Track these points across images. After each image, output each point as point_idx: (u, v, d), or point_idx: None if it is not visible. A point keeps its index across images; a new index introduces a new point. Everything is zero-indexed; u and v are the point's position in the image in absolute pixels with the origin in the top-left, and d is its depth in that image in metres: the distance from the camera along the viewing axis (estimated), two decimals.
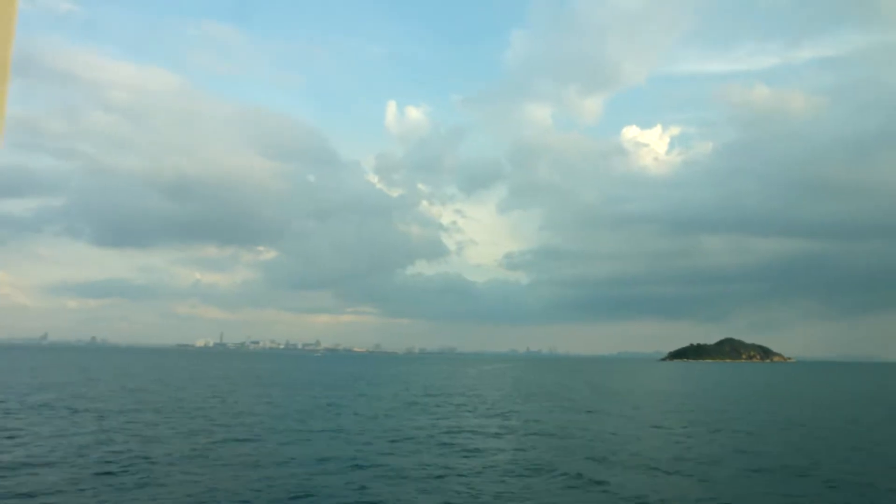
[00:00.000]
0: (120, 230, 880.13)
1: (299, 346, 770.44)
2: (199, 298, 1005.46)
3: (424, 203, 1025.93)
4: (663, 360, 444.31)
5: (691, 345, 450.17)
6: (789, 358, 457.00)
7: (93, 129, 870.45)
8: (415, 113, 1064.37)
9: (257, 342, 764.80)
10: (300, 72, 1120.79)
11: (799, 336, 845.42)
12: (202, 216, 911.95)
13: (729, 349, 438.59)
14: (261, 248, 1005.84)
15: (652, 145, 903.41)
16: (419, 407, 46.86)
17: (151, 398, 48.80)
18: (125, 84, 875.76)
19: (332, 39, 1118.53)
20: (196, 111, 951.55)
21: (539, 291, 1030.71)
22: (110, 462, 22.61)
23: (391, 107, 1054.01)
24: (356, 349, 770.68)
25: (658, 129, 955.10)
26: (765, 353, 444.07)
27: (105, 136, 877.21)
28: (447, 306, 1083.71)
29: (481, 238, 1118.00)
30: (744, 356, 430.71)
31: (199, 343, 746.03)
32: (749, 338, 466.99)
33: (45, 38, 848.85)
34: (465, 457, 25.60)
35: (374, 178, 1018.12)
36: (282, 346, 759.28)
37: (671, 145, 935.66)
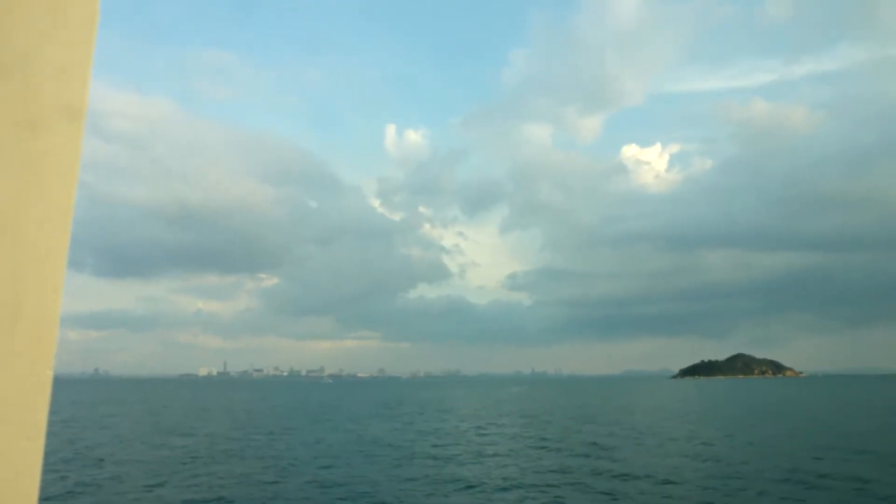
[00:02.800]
0: (121, 260, 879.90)
1: (303, 373, 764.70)
2: (201, 327, 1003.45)
3: (426, 226, 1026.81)
4: (674, 377, 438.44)
5: (702, 361, 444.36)
6: (801, 372, 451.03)
7: (93, 158, 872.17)
8: (414, 136, 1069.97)
9: (261, 370, 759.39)
10: (299, 96, 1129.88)
11: (805, 349, 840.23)
12: (203, 244, 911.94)
13: (741, 365, 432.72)
14: (262, 275, 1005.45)
15: (652, 163, 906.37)
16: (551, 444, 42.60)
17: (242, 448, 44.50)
18: (125, 113, 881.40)
19: (329, 63, 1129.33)
20: (196, 138, 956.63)
21: (542, 312, 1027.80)
22: None
23: (390, 130, 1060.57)
24: (360, 374, 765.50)
25: (657, 146, 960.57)
26: (777, 368, 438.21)
27: (105, 166, 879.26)
28: (450, 329, 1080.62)
29: (483, 260, 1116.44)
30: (756, 372, 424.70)
31: (202, 372, 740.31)
32: (755, 352, 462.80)
33: None
34: None
35: (375, 202, 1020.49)
36: (285, 374, 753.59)
37: (671, 163, 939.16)
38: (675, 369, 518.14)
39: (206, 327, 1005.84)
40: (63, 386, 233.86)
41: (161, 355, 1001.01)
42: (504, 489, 23.07)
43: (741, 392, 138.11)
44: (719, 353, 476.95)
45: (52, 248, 1.64)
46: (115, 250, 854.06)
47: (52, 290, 1.67)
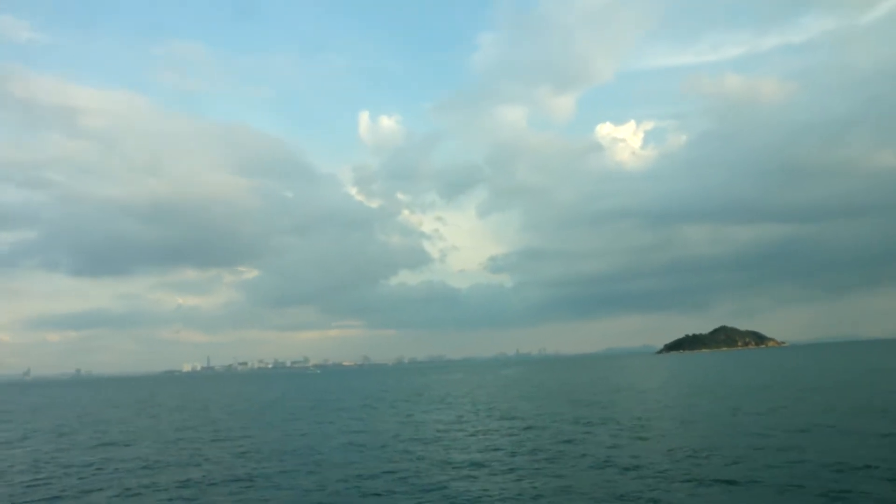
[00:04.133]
0: (97, 259, 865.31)
1: (288, 364, 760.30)
2: (182, 323, 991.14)
3: (405, 212, 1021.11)
4: (659, 352, 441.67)
5: (686, 336, 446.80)
6: (783, 342, 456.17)
7: (62, 156, 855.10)
8: (388, 122, 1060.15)
9: (245, 363, 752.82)
10: (270, 87, 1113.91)
11: (786, 319, 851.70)
12: (180, 239, 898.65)
13: (724, 337, 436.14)
14: (241, 267, 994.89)
15: (627, 140, 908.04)
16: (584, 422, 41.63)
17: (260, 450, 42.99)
18: (92, 109, 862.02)
19: (300, 53, 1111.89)
20: (166, 132, 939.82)
21: (524, 293, 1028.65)
22: None
23: (364, 117, 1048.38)
24: (345, 363, 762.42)
25: (632, 124, 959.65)
26: (759, 339, 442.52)
27: (75, 164, 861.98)
28: (433, 314, 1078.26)
29: (463, 243, 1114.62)
30: (739, 343, 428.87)
31: (186, 368, 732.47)
32: (738, 325, 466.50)
33: (6, 67, 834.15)
34: None
35: (352, 190, 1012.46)
36: (270, 366, 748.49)
37: (646, 140, 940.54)
38: (657, 345, 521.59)
39: (188, 323, 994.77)
40: (49, 388, 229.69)
41: (143, 353, 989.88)
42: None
43: (731, 363, 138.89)
44: (702, 327, 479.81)
45: None
46: (90, 249, 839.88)
47: None
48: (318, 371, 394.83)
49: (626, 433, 30.98)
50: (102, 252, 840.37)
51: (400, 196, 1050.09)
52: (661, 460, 23.28)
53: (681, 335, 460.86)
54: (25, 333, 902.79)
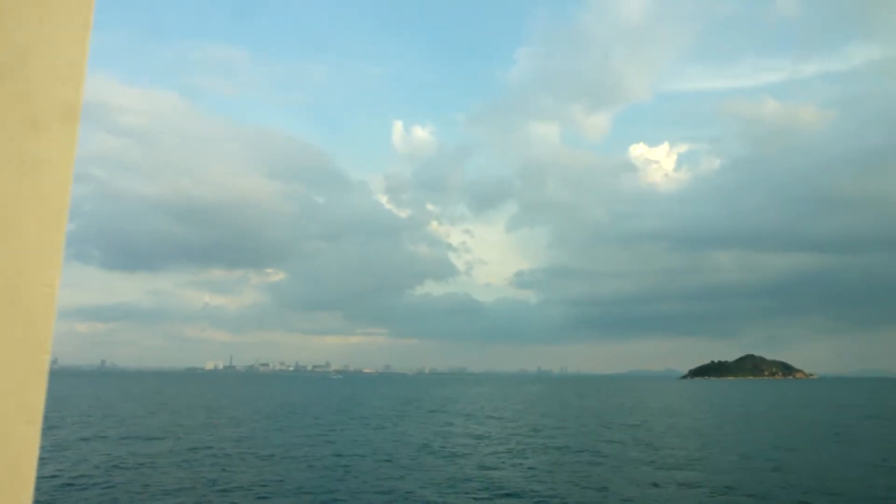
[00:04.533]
0: (129, 254, 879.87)
1: (309, 368, 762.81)
2: (208, 321, 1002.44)
3: (433, 223, 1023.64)
4: (684, 377, 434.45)
5: (712, 362, 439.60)
6: (811, 374, 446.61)
7: (102, 153, 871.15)
8: (421, 132, 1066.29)
9: (266, 364, 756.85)
10: (306, 93, 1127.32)
11: (815, 351, 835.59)
12: (211, 239, 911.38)
13: (751, 366, 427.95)
14: (269, 270, 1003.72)
15: (660, 162, 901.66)
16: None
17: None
18: (133, 108, 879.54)
19: (336, 60, 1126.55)
20: (204, 133, 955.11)
21: (548, 310, 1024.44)
22: None
23: (397, 126, 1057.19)
24: (366, 370, 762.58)
25: (665, 145, 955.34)
26: (787, 369, 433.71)
27: (114, 160, 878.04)
28: (456, 326, 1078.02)
29: (490, 257, 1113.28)
30: (766, 373, 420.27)
31: (209, 366, 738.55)
32: (765, 354, 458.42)
33: None
34: None
35: (382, 199, 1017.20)
36: (291, 368, 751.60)
37: (679, 162, 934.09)
38: (680, 369, 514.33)
39: (213, 321, 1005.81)
40: (77, 378, 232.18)
41: (168, 348, 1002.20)
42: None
43: (765, 394, 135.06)
44: (727, 353, 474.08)
45: (48, 242, 1.71)
46: (123, 244, 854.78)
47: (48, 281, 1.72)
48: (340, 377, 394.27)
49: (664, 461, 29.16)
50: (135, 247, 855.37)
51: (429, 207, 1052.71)
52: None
53: (705, 361, 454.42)
54: (56, 322, 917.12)
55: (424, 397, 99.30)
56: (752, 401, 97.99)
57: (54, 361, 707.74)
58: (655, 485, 23.42)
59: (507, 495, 21.42)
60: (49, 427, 41.35)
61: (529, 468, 27.20)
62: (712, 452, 33.17)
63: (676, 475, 25.52)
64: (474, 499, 20.92)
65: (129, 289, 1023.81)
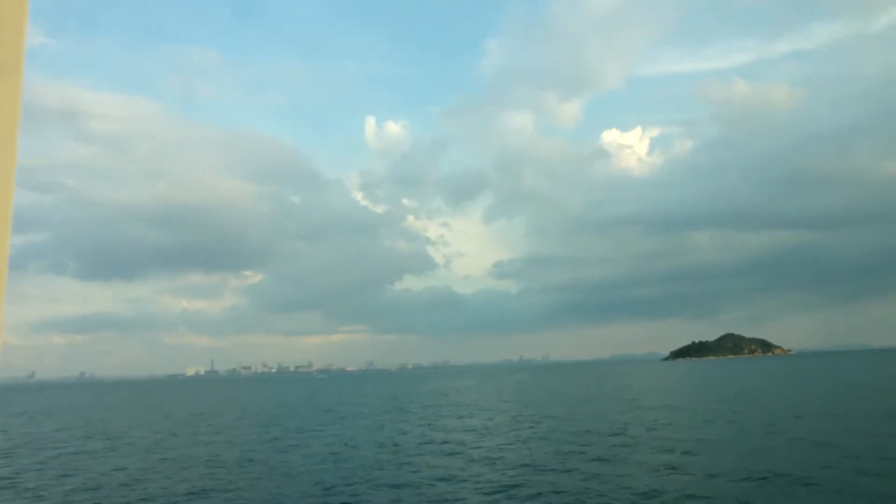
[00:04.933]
0: (105, 263, 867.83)
1: (291, 369, 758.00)
2: (187, 327, 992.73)
3: (410, 218, 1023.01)
4: (665, 359, 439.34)
5: (693, 343, 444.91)
6: (789, 350, 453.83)
7: (72, 161, 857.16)
8: (394, 128, 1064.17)
9: (248, 367, 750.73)
10: (278, 93, 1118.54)
11: (793, 327, 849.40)
12: (187, 244, 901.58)
13: (731, 345, 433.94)
14: (247, 272, 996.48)
15: (633, 147, 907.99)
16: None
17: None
18: (103, 114, 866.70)
19: (310, 60, 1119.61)
20: (177, 137, 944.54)
21: (529, 299, 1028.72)
22: None
23: (370, 123, 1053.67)
24: (349, 368, 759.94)
25: (638, 130, 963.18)
26: (766, 346, 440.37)
27: (85, 168, 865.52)
28: (437, 320, 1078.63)
29: (468, 249, 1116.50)
30: (746, 351, 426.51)
31: (190, 372, 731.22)
32: (745, 332, 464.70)
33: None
34: None
35: (358, 196, 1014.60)
36: (274, 370, 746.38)
37: (652, 146, 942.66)
38: (662, 352, 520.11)
39: (193, 326, 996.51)
40: (58, 391, 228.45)
41: (147, 356, 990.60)
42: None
43: (746, 372, 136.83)
44: (707, 333, 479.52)
45: None
46: (98, 253, 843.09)
47: None
48: (325, 376, 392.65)
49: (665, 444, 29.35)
50: (110, 256, 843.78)
51: (405, 201, 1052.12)
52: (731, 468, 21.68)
53: (686, 342, 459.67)
54: (31, 336, 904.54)
55: (412, 393, 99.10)
56: (735, 378, 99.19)
57: (31, 375, 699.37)
58: (672, 468, 23.48)
59: (512, 486, 21.37)
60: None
61: (533, 458, 27.18)
62: (712, 432, 33.42)
63: (692, 458, 25.66)
64: (484, 493, 20.84)
65: (106, 298, 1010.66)
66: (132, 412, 73.99)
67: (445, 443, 33.19)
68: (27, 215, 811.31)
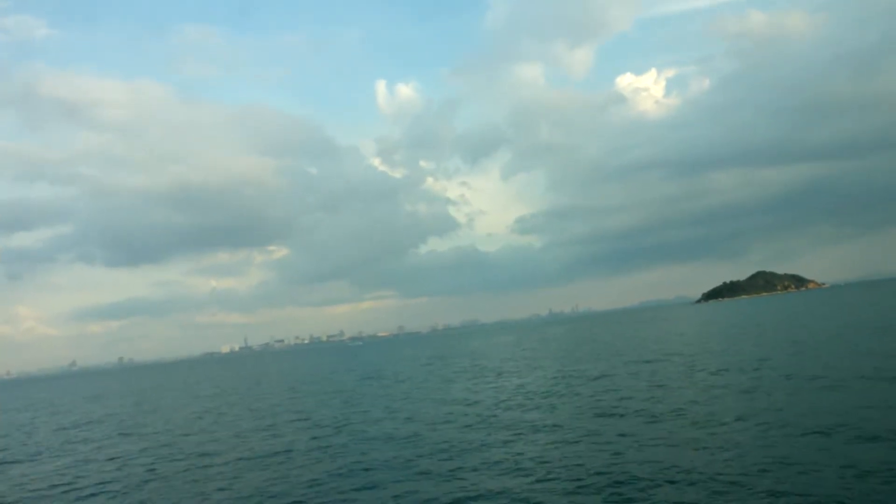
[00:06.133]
0: (131, 249, 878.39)
1: (324, 339, 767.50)
2: (217, 305, 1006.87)
3: (429, 180, 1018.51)
4: (697, 302, 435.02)
5: (724, 283, 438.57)
6: (823, 283, 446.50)
7: (89, 151, 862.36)
8: (406, 90, 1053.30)
9: (281, 340, 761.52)
10: (285, 66, 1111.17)
11: (824, 260, 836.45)
12: (210, 223, 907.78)
13: (763, 282, 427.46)
14: (272, 247, 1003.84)
15: (649, 90, 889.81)
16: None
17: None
18: (114, 101, 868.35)
19: (313, 29, 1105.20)
20: (188, 118, 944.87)
21: (554, 252, 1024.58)
22: None
23: (381, 87, 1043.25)
24: (380, 334, 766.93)
25: (653, 72, 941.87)
26: (799, 281, 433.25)
27: (102, 157, 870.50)
28: (464, 279, 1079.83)
29: (490, 207, 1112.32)
30: (779, 287, 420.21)
31: (225, 349, 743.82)
32: (775, 269, 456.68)
33: (26, 66, 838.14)
34: None
35: (375, 162, 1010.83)
36: (307, 341, 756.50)
37: (668, 87, 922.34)
38: (692, 295, 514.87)
39: (224, 305, 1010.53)
40: (94, 378, 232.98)
41: (182, 337, 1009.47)
42: None
43: (784, 308, 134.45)
44: (738, 273, 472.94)
45: None
46: (124, 240, 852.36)
47: None
48: (361, 343, 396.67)
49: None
50: (136, 241, 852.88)
51: (423, 164, 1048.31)
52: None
53: (714, 284, 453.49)
54: (69, 326, 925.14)
55: (454, 353, 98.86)
56: (774, 316, 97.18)
57: (73, 364, 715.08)
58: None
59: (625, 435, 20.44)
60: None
61: (631, 406, 26.25)
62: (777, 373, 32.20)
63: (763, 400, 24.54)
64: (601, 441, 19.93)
65: (137, 283, 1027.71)
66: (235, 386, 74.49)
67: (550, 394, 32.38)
68: (52, 208, 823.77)
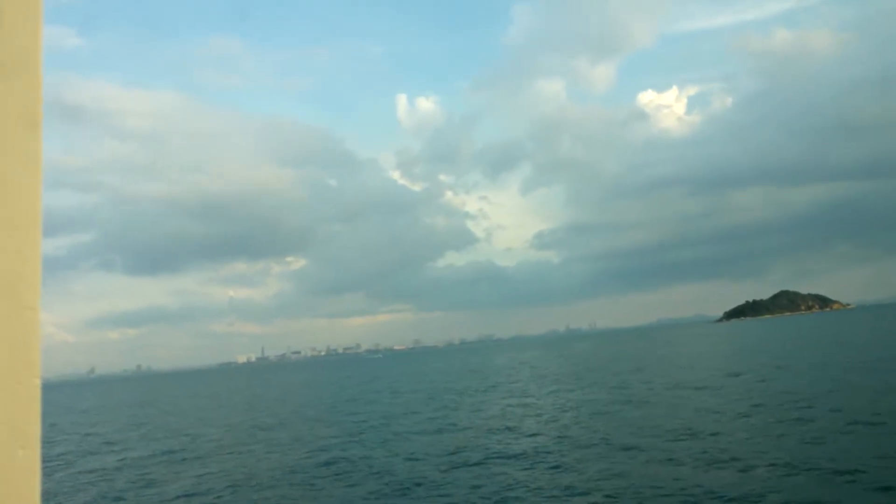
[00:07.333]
0: (150, 257, 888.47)
1: (340, 351, 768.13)
2: (235, 315, 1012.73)
3: (448, 193, 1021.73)
4: (719, 321, 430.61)
5: (747, 302, 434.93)
6: (848, 304, 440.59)
7: (112, 159, 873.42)
8: (426, 104, 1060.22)
9: (298, 352, 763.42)
10: (307, 78, 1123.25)
11: (848, 280, 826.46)
12: (229, 233, 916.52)
13: (786, 302, 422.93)
14: (290, 258, 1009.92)
15: (671, 107, 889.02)
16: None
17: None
18: (137, 111, 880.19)
19: (335, 43, 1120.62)
20: (210, 128, 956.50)
21: (572, 268, 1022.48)
22: None
23: (401, 101, 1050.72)
24: (396, 347, 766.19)
25: (674, 90, 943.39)
26: (823, 301, 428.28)
27: (125, 165, 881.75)
28: (481, 294, 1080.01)
29: (508, 222, 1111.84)
30: (802, 307, 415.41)
31: (241, 359, 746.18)
32: (798, 288, 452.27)
33: (57, 75, 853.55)
34: None
35: (395, 175, 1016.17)
36: (323, 353, 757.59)
37: (690, 105, 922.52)
38: (711, 314, 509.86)
39: (241, 315, 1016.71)
40: (109, 386, 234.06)
41: (199, 346, 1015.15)
42: None
43: (813, 329, 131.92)
44: (759, 292, 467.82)
45: (22, 262, 1.64)
46: (143, 248, 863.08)
47: (28, 304, 1.65)
48: (381, 356, 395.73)
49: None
50: (155, 250, 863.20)
51: (442, 178, 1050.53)
52: None
53: (734, 303, 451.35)
54: (87, 333, 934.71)
55: (486, 368, 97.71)
56: (805, 338, 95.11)
57: (91, 371, 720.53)
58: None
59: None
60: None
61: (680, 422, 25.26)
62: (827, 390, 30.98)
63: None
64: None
65: (155, 292, 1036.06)
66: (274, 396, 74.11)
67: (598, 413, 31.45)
68: (74, 215, 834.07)
